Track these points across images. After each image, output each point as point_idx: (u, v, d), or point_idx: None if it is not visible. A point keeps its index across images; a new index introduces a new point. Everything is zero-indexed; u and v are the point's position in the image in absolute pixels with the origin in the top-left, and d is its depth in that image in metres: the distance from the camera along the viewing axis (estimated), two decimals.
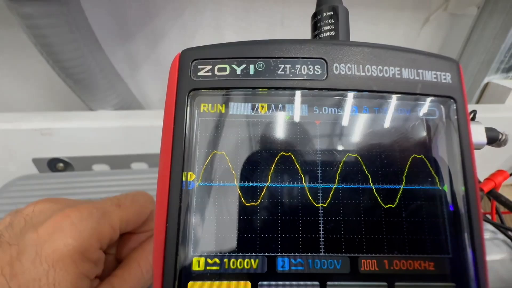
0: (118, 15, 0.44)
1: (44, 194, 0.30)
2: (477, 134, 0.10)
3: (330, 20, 0.11)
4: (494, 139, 0.11)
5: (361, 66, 0.08)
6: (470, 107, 0.32)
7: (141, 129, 0.39)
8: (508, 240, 0.22)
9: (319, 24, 0.11)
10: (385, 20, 0.54)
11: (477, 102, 0.50)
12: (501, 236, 0.22)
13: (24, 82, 0.48)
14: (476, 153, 0.13)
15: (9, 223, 0.13)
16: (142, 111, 0.41)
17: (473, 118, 0.24)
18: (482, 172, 0.29)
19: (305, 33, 0.40)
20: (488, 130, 0.11)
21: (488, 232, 0.24)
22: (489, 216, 0.27)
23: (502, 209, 0.27)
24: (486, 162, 0.45)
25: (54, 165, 0.39)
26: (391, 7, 0.54)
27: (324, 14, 0.11)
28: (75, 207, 0.14)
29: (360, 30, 0.51)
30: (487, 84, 0.49)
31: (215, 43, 0.34)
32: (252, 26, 0.50)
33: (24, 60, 0.46)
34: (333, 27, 0.10)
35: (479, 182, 0.29)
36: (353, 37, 0.33)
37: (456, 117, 0.08)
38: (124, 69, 0.44)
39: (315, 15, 0.11)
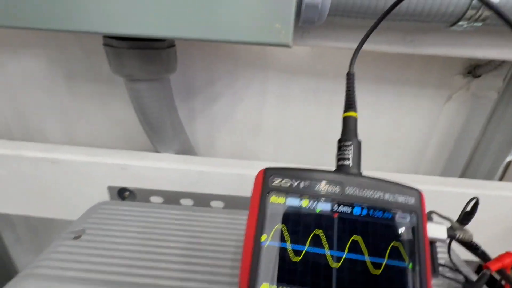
0: (186, 81, 0.56)
1: (118, 218, 0.38)
2: (439, 232, 0.16)
3: (348, 148, 0.18)
4: (452, 236, 0.16)
5: (362, 189, 0.15)
6: (492, 184, 0.36)
7: (193, 172, 0.48)
8: None
9: (342, 149, 0.18)
10: (409, 95, 0.60)
11: (500, 179, 0.52)
12: None
13: (112, 126, 0.61)
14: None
15: None
16: (195, 157, 0.50)
17: (475, 205, 0.28)
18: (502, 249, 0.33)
19: (334, 101, 0.49)
20: (449, 229, 0.17)
21: None
22: None
23: None
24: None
25: (122, 193, 0.49)
26: (414, 84, 0.60)
27: (346, 143, 0.18)
28: None
29: (385, 102, 0.58)
30: (509, 163, 0.52)
31: (258, 107, 0.47)
32: (291, 93, 0.60)
33: (118, 109, 0.59)
34: (349, 155, 0.17)
35: (489, 260, 0.32)
36: (377, 109, 0.45)
37: (416, 223, 0.15)
38: (184, 121, 0.55)
39: (339, 141, 0.19)
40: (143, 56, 0.35)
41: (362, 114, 0.64)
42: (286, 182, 0.15)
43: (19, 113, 0.63)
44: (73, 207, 0.51)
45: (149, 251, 0.33)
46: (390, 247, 0.15)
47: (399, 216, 0.15)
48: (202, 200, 0.49)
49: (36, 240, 0.84)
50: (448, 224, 0.19)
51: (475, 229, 0.32)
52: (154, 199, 0.49)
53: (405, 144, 0.63)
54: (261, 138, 0.63)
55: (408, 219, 0.15)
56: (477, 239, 0.32)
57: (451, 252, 0.33)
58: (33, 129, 0.65)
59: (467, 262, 0.34)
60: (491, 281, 0.31)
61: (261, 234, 0.15)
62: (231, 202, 0.49)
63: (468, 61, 0.57)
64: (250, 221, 0.15)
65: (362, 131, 0.58)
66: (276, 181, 0.15)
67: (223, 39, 0.25)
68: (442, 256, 0.32)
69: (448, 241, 0.22)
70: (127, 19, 0.27)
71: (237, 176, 0.47)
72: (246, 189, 0.48)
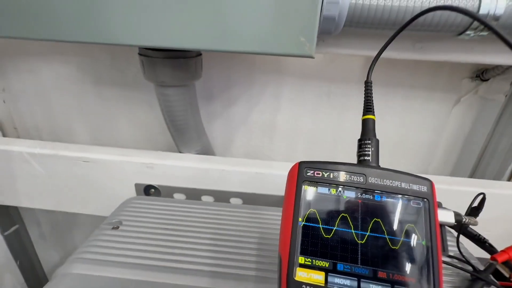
0: (207, 85, 0.60)
1: (149, 211, 0.42)
2: (448, 217, 0.19)
3: (368, 145, 0.21)
4: (459, 221, 0.19)
5: (382, 179, 0.18)
6: (500, 184, 0.39)
7: (213, 171, 0.51)
8: None
9: (362, 147, 0.21)
10: (418, 98, 0.62)
11: (509, 179, 0.54)
12: None
13: (135, 128, 0.65)
14: None
15: None
16: (215, 157, 0.53)
17: (482, 200, 0.31)
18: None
19: (345, 105, 0.53)
20: (456, 215, 0.19)
21: None
22: None
23: None
24: None
25: (148, 190, 0.52)
26: (423, 88, 0.62)
27: (366, 141, 0.21)
28: None
29: (394, 105, 0.61)
30: None
31: (273, 110, 0.52)
32: (305, 96, 0.63)
33: (141, 112, 0.63)
34: (370, 151, 0.20)
35: (496, 252, 0.34)
36: (387, 111, 0.49)
37: (428, 208, 0.17)
38: (203, 122, 0.58)
39: (360, 140, 0.22)
40: (175, 64, 0.38)
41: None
42: (318, 173, 0.18)
43: (49, 116, 0.67)
44: (102, 202, 0.55)
45: (179, 240, 0.37)
46: (406, 227, 0.17)
47: (413, 202, 0.18)
48: (222, 197, 0.52)
49: (59, 237, 0.88)
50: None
51: (484, 227, 0.34)
52: (177, 195, 0.53)
53: (414, 146, 0.66)
54: (275, 139, 0.66)
55: (421, 204, 0.18)
56: (486, 237, 0.34)
57: (460, 246, 0.35)
58: (61, 131, 0.69)
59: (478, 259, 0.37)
60: (499, 276, 0.33)
61: (298, 216, 0.18)
62: (249, 199, 0.52)
63: (476, 66, 0.59)
64: (287, 206, 0.18)
65: None
66: (309, 173, 0.19)
67: (253, 51, 0.28)
68: (452, 249, 0.35)
69: (456, 233, 0.25)
70: (162, 33, 0.31)
71: (255, 175, 0.50)
72: (263, 187, 0.51)
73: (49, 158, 0.51)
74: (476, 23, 0.35)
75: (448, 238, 0.35)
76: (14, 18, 0.32)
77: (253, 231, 0.40)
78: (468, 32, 0.37)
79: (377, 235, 0.17)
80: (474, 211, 0.31)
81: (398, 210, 0.18)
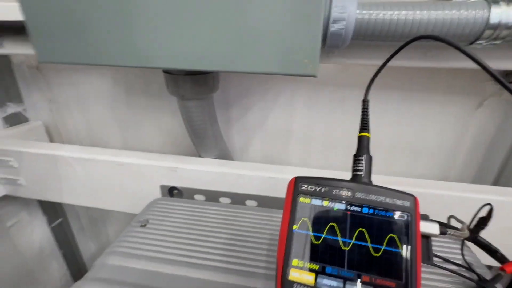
0: (224, 95, 0.63)
1: (173, 211, 0.47)
2: (432, 228, 0.21)
3: (361, 161, 0.23)
4: (444, 232, 0.21)
5: (368, 194, 0.20)
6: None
7: (231, 175, 0.55)
8: None
9: (356, 162, 0.24)
10: (437, 102, 0.61)
11: None
12: None
13: (161, 134, 0.71)
14: None
15: None
16: (233, 162, 0.57)
17: (490, 211, 0.32)
18: None
19: (359, 110, 0.53)
20: (441, 227, 0.21)
21: None
22: None
23: None
24: None
25: (171, 191, 0.58)
26: (443, 91, 0.61)
27: (359, 158, 0.24)
28: None
29: (412, 109, 0.60)
30: None
31: (288, 116, 0.55)
32: (319, 102, 0.64)
33: (166, 119, 0.69)
34: (362, 167, 0.23)
35: (505, 262, 0.35)
36: (405, 116, 0.50)
37: (410, 220, 0.19)
38: (221, 128, 0.62)
39: (354, 156, 0.24)
40: (194, 80, 0.43)
41: (391, 121, 0.66)
42: (311, 187, 0.21)
43: (88, 123, 0.76)
44: (131, 201, 0.62)
45: (198, 238, 0.41)
46: (387, 237, 0.20)
47: (396, 215, 0.20)
48: (238, 199, 0.56)
49: (96, 230, 0.98)
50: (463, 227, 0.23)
51: (505, 236, 0.34)
52: (198, 197, 0.58)
53: (434, 151, 0.64)
54: (290, 144, 0.69)
55: (403, 217, 0.20)
56: (508, 246, 0.34)
57: (469, 254, 0.36)
58: (97, 136, 0.77)
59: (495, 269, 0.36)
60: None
61: (293, 224, 0.21)
62: (264, 202, 0.55)
63: None
64: (285, 215, 0.21)
65: (390, 138, 0.63)
66: (304, 187, 0.21)
67: (263, 71, 0.31)
68: (458, 257, 0.35)
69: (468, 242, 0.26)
70: (184, 58, 0.35)
71: (269, 179, 0.54)
72: (277, 191, 0.54)
73: (88, 161, 0.59)
74: (487, 33, 0.35)
75: (454, 246, 0.36)
76: (57, 46, 0.37)
77: (265, 232, 0.43)
78: (479, 41, 0.36)
79: (361, 243, 0.20)
80: (481, 220, 0.32)
81: (381, 222, 0.20)
